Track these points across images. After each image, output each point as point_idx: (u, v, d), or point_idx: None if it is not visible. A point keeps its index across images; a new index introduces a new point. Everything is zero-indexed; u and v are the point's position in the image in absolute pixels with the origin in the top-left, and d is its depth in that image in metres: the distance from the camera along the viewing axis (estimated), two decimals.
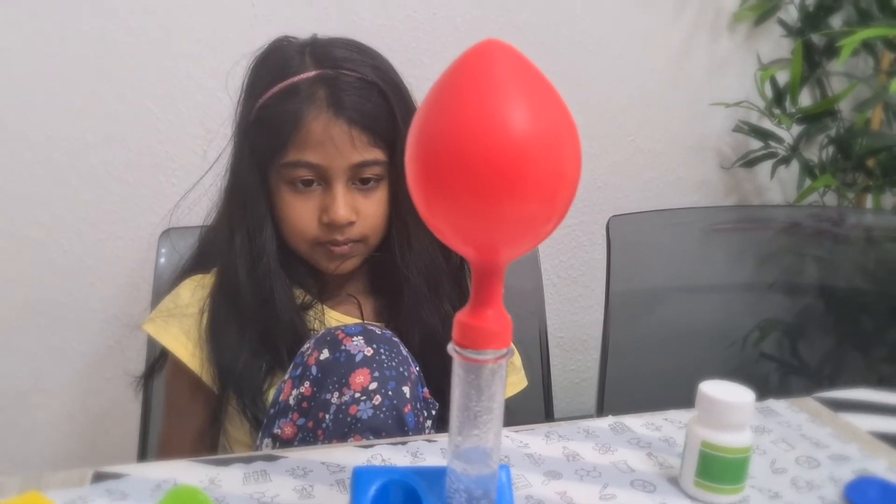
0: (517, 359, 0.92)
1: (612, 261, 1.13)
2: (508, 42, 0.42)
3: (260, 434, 0.73)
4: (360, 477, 0.52)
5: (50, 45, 1.15)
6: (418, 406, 0.70)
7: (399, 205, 0.82)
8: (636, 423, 0.68)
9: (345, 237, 0.81)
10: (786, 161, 1.51)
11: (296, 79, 0.78)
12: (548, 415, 1.11)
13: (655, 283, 1.22)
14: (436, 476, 0.51)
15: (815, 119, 1.48)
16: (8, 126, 1.17)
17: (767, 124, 1.52)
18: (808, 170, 1.51)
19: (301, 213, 0.80)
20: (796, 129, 1.50)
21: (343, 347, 0.68)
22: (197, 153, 1.24)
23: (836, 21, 1.50)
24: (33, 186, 1.20)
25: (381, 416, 0.66)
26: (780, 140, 1.50)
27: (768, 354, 1.28)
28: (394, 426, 0.66)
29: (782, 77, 1.48)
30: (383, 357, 0.68)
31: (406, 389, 0.68)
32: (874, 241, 1.36)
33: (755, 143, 1.54)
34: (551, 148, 0.40)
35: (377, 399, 0.66)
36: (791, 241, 1.33)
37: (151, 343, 0.94)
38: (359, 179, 0.80)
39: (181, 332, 0.82)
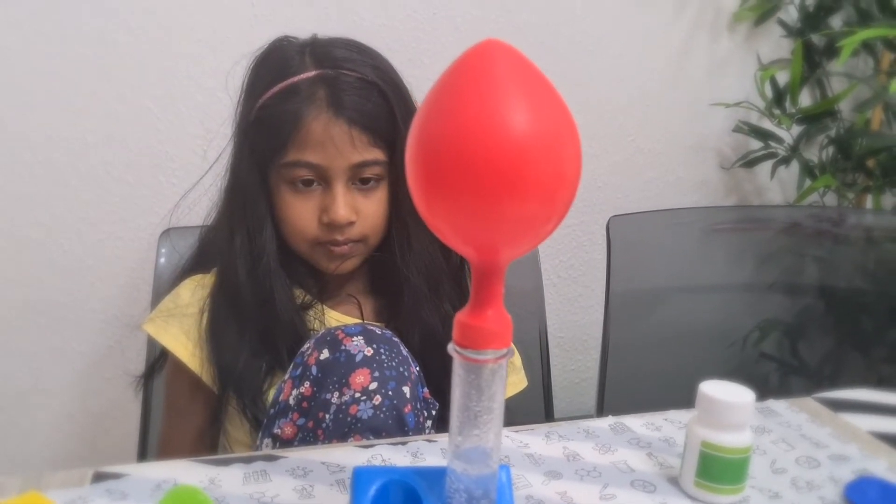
0: (517, 359, 0.92)
1: (612, 261, 1.13)
2: (508, 42, 0.42)
3: (260, 434, 0.73)
4: (360, 477, 0.52)
5: (50, 45, 1.15)
6: (418, 406, 0.70)
7: (399, 205, 0.82)
8: (636, 423, 0.68)
9: (345, 237, 0.81)
10: (786, 161, 1.51)
11: (296, 79, 0.78)
12: (548, 415, 1.11)
13: (655, 284, 1.22)
14: (436, 476, 0.51)
15: (815, 119, 1.48)
16: (8, 126, 1.17)
17: (767, 124, 1.52)
18: (808, 170, 1.52)
19: (301, 213, 0.80)
20: (796, 129, 1.50)
21: (343, 347, 0.68)
22: (197, 153, 1.24)
23: (836, 21, 1.50)
24: (33, 186, 1.20)
25: (382, 416, 0.66)
26: (780, 140, 1.50)
27: (768, 354, 1.28)
28: (394, 426, 0.66)
29: (782, 77, 1.48)
30: (383, 357, 0.68)
31: (406, 389, 0.68)
32: (874, 241, 1.36)
33: (755, 144, 1.54)
34: (551, 148, 0.40)
35: (377, 399, 0.66)
36: (791, 242, 1.33)
37: (151, 343, 0.94)
38: (359, 179, 0.80)
39: (181, 332, 0.82)
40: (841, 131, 1.49)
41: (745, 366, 1.25)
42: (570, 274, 1.56)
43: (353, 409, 0.66)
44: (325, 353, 0.68)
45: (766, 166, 1.53)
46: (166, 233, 1.04)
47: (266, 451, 0.66)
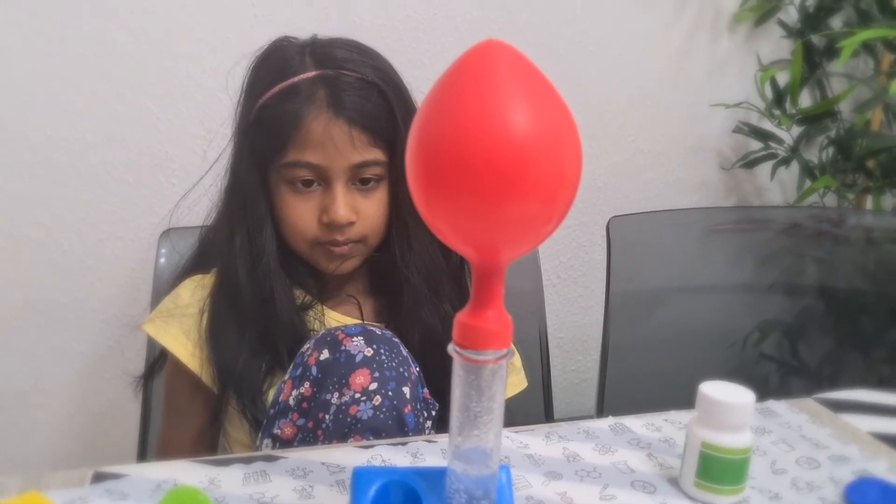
0: (517, 359, 0.92)
1: (612, 261, 1.13)
2: (508, 42, 0.41)
3: (260, 434, 0.73)
4: (360, 477, 0.52)
5: (50, 45, 1.15)
6: (418, 406, 0.70)
7: (399, 205, 0.82)
8: (636, 423, 0.68)
9: (345, 237, 0.81)
10: (786, 162, 1.51)
11: (296, 79, 0.78)
12: (548, 415, 1.11)
13: (655, 284, 1.22)
14: (436, 476, 0.51)
15: (815, 120, 1.48)
16: (8, 126, 1.17)
17: (767, 125, 1.52)
18: (808, 171, 1.52)
19: (301, 213, 0.80)
20: (796, 130, 1.50)
21: (343, 348, 0.68)
22: (197, 153, 1.24)
23: (836, 22, 1.50)
24: (33, 186, 1.20)
25: (381, 416, 0.66)
26: (780, 141, 1.50)
27: (768, 355, 1.28)
28: (394, 427, 0.66)
29: (782, 78, 1.48)
30: (383, 357, 0.68)
31: (406, 390, 0.68)
32: (874, 242, 1.36)
33: (755, 144, 1.54)
34: (552, 148, 0.40)
35: (377, 399, 0.66)
36: (791, 242, 1.33)
37: (151, 343, 0.94)
38: (359, 180, 0.80)
39: (181, 333, 0.82)
40: (841, 132, 1.49)
41: (745, 366, 1.25)
42: (570, 274, 1.56)
43: (353, 410, 0.65)
44: (325, 354, 0.68)
45: (766, 167, 1.53)
46: (166, 233, 1.04)
47: (266, 451, 0.66)
